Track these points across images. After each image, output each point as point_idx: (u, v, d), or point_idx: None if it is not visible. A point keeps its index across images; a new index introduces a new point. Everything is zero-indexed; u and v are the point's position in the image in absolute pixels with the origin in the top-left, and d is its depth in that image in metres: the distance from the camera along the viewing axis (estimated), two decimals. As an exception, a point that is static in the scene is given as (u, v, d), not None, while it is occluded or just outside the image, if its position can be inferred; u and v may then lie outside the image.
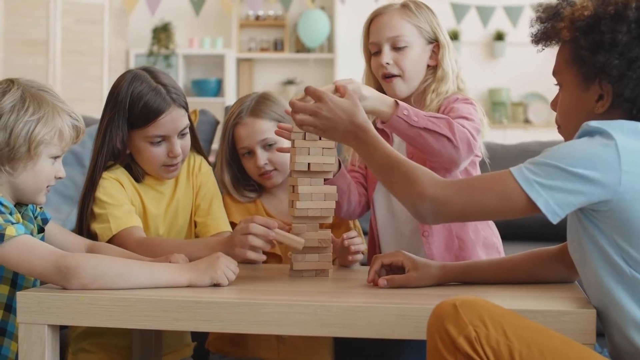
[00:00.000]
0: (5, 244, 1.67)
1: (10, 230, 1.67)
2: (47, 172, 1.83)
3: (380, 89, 2.12)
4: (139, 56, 7.91)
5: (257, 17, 8.12)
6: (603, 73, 1.53)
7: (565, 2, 1.61)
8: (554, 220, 1.49)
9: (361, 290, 1.75)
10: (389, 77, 2.15)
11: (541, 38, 1.65)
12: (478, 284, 1.80)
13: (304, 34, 7.68)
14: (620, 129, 1.49)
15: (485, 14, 6.75)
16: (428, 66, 2.19)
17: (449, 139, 1.93)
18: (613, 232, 1.49)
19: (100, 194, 2.04)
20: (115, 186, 2.07)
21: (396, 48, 2.14)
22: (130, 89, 2.03)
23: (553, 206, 1.48)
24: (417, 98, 2.19)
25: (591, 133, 1.51)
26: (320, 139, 1.88)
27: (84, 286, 1.66)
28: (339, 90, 1.80)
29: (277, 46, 8.13)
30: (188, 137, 2.12)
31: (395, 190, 1.65)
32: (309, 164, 1.90)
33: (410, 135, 1.92)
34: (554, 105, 1.67)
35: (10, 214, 1.74)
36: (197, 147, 2.23)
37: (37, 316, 1.63)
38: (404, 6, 2.18)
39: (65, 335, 2.15)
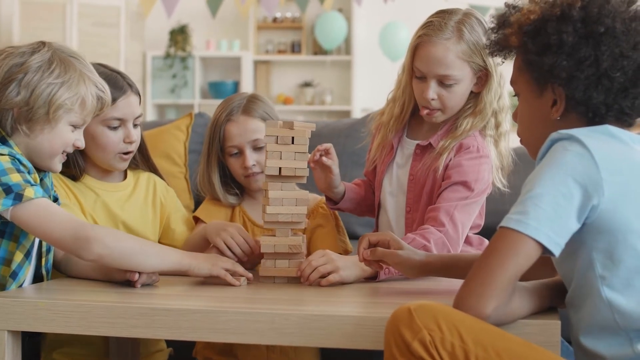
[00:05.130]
0: (23, 204, 1.65)
1: (29, 192, 1.65)
2: (65, 138, 1.79)
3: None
4: (156, 58, 7.95)
5: (275, 19, 8.12)
6: (552, 76, 1.48)
7: (513, 9, 1.56)
8: (557, 252, 1.39)
9: (323, 299, 1.71)
10: (429, 109, 2.06)
11: (495, 49, 1.61)
12: (462, 278, 1.72)
13: (321, 36, 7.66)
14: (587, 134, 1.43)
15: (504, 15, 6.68)
16: (471, 92, 2.09)
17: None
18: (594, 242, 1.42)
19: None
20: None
21: (443, 84, 2.04)
22: None
23: (553, 237, 1.37)
24: (449, 120, 2.11)
25: (556, 140, 1.45)
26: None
27: (100, 257, 1.67)
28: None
29: (295, 48, 8.13)
30: (140, 129, 2.12)
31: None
32: (280, 168, 1.87)
33: None
34: (516, 116, 1.62)
35: (29, 173, 1.71)
36: (151, 165, 2.24)
37: (-4, 321, 1.61)
38: (459, 32, 2.02)
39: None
